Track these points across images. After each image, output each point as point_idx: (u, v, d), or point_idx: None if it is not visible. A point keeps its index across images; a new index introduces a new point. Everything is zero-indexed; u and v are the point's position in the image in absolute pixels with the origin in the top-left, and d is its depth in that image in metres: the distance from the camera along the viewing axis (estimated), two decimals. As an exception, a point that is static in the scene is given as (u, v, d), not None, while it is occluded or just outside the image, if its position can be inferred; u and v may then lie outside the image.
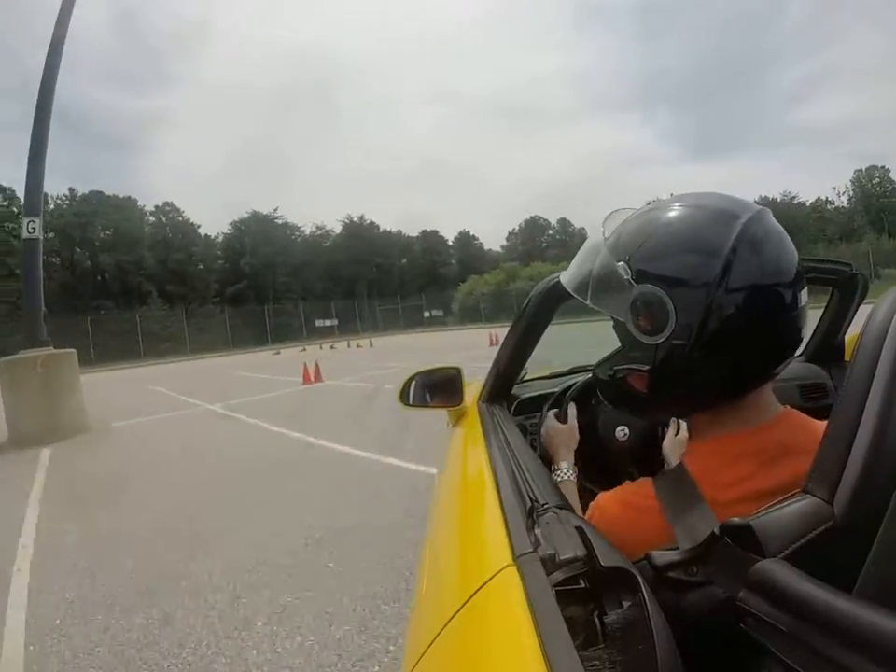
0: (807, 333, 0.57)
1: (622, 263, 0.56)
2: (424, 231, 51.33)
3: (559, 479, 0.94)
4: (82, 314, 30.45)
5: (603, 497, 0.65)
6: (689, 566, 0.43)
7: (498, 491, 0.68)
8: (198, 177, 65.89)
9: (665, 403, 0.62)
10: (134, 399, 10.23)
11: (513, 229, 54.01)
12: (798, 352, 1.50)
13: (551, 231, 54.16)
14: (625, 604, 0.39)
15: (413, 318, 38.93)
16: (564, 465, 0.97)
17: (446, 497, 1.00)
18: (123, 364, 26.01)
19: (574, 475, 0.95)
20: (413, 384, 1.40)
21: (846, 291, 1.29)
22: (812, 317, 1.41)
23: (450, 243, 50.82)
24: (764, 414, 0.58)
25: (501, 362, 1.25)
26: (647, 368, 0.58)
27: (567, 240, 50.93)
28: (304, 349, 23.37)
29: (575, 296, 0.64)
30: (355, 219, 48.40)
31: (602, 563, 0.42)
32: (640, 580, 0.39)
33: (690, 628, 0.40)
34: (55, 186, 36.51)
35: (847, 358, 1.37)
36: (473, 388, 1.47)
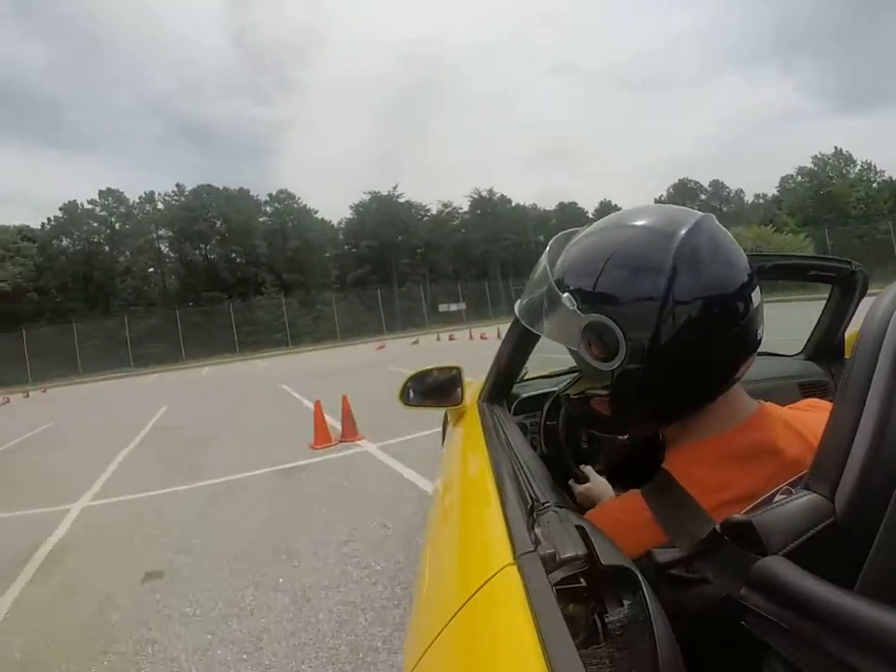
0: (764, 331, 0.58)
1: (566, 294, 0.56)
2: (561, 204, 44.82)
3: None
4: (195, 306, 30.46)
5: (591, 515, 0.63)
6: (690, 563, 0.43)
7: (499, 490, 0.68)
8: (317, 168, 64.76)
9: (630, 423, 0.63)
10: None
11: (661, 196, 45.32)
12: (798, 350, 1.51)
13: (703, 196, 45.76)
14: (626, 602, 0.39)
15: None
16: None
17: (446, 496, 1.00)
18: (219, 358, 25.34)
19: None
20: (413, 383, 1.40)
21: (845, 289, 1.29)
22: (812, 315, 1.42)
23: (590, 215, 42.83)
24: (737, 417, 0.58)
25: (501, 361, 1.25)
26: (606, 393, 0.58)
27: (719, 206, 43.78)
28: (417, 341, 20.45)
29: (531, 329, 0.64)
30: (483, 193, 42.49)
31: (603, 561, 0.42)
32: (641, 578, 0.39)
33: (691, 626, 0.40)
34: (164, 185, 36.54)
35: (847, 356, 1.37)
36: (473, 388, 1.47)
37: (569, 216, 43.12)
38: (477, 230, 40.54)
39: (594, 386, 0.61)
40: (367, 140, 73.60)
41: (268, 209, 39.12)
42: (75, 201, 34.50)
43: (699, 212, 0.56)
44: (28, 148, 54.68)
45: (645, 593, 0.38)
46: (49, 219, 34.21)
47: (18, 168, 50.87)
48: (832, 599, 0.33)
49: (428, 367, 1.43)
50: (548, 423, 1.21)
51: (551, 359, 1.44)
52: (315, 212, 40.08)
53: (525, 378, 1.47)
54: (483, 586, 0.48)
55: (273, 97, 73.67)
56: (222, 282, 34.33)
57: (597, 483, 1.01)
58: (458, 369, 1.39)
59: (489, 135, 73.93)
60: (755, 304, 0.55)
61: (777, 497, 0.51)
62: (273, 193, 39.27)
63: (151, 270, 35.50)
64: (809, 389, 1.31)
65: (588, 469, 1.05)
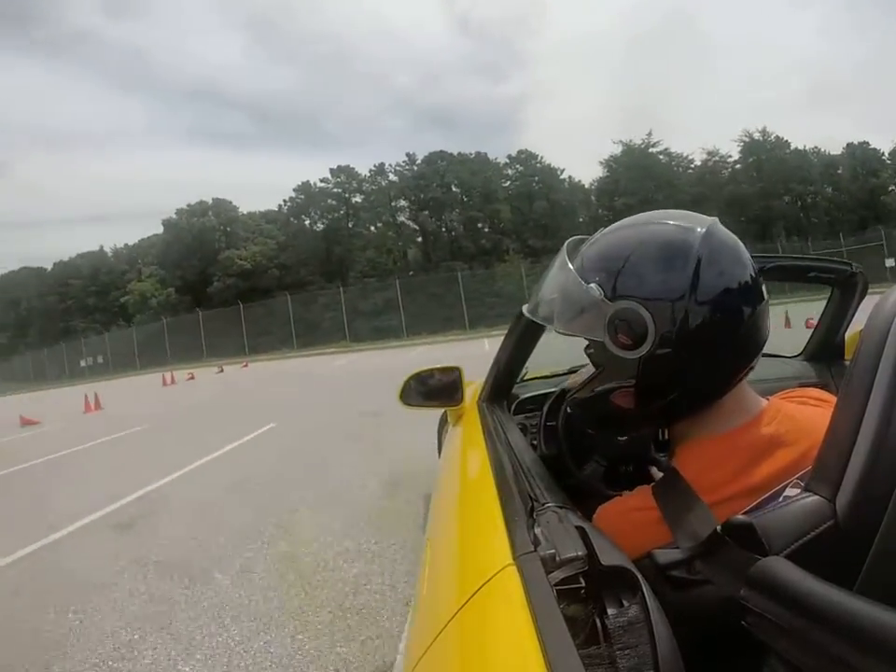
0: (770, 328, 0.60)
1: (593, 284, 0.57)
2: (849, 146, 33.49)
3: None
4: (434, 274, 27.91)
5: (603, 511, 0.64)
6: (691, 564, 0.43)
7: (499, 490, 0.68)
8: (561, 135, 56.47)
9: (652, 415, 0.63)
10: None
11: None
12: (798, 351, 1.51)
13: None
14: (626, 603, 0.39)
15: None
16: None
17: (446, 496, 1.00)
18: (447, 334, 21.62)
19: None
20: (414, 383, 1.40)
21: (845, 290, 1.29)
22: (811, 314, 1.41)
23: (887, 159, 32.48)
24: (747, 412, 0.60)
25: (501, 362, 1.25)
26: (632, 383, 0.59)
27: None
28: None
29: (544, 324, 0.65)
30: (756, 136, 32.95)
31: (603, 562, 0.42)
32: (641, 579, 0.39)
33: (691, 627, 0.40)
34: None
35: (847, 357, 1.37)
36: (473, 388, 1.47)
37: (862, 159, 33.14)
38: (752, 180, 32.13)
39: (617, 378, 0.61)
40: (611, 95, 64.20)
41: (508, 171, 34.07)
42: (308, 181, 33.87)
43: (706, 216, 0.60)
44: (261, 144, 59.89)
45: (645, 593, 0.38)
46: (285, 201, 34.26)
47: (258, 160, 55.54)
48: (832, 599, 0.33)
49: (427, 368, 1.43)
50: (548, 423, 1.21)
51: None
52: (562, 171, 34.10)
53: (525, 378, 1.47)
54: (482, 586, 0.48)
55: (506, 72, 70.62)
56: (463, 251, 31.21)
57: None
58: (459, 369, 1.39)
59: (747, 75, 57.76)
60: (765, 298, 0.58)
61: (788, 491, 0.51)
62: (514, 154, 33.84)
63: (390, 241, 32.63)
64: None
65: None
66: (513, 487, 0.66)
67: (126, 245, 37.92)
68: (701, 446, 0.59)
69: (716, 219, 0.59)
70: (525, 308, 0.71)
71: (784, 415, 0.59)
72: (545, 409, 1.23)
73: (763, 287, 0.58)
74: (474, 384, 1.51)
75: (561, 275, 0.62)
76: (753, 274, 0.57)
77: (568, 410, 0.66)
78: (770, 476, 0.53)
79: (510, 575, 0.46)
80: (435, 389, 1.39)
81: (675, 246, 0.56)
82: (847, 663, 0.30)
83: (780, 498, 0.51)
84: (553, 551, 0.45)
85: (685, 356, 0.55)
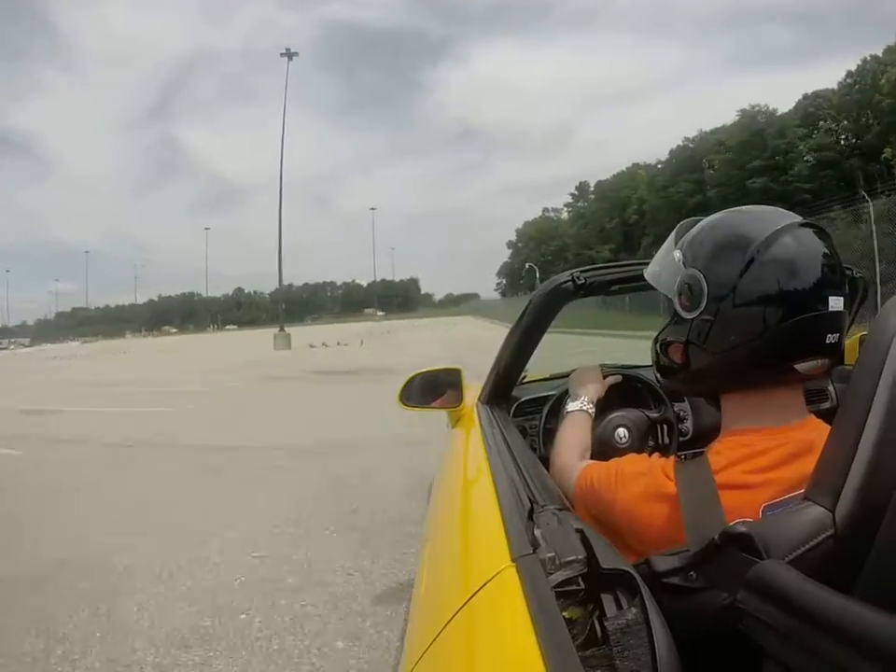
0: (844, 344, 0.63)
1: (678, 251, 0.69)
2: None
3: (576, 408, 0.99)
4: None
5: (630, 459, 0.72)
6: (689, 571, 0.43)
7: (498, 492, 0.68)
8: None
9: (696, 376, 0.69)
10: None
11: None
12: None
13: None
14: (625, 606, 0.39)
15: None
16: (586, 398, 1.00)
17: (445, 497, 1.00)
18: None
19: (592, 411, 0.99)
20: (414, 384, 1.40)
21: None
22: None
23: None
24: (794, 416, 0.64)
25: (501, 364, 1.25)
26: (682, 340, 0.67)
27: None
28: None
29: (652, 284, 0.76)
30: None
31: (602, 565, 0.42)
32: (640, 582, 0.39)
33: (690, 630, 0.40)
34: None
35: (846, 362, 1.37)
36: (473, 390, 1.47)
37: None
38: None
39: (675, 334, 0.69)
40: None
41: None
42: None
43: (800, 217, 0.65)
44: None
45: (644, 596, 0.38)
46: None
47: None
48: (830, 604, 0.33)
49: (428, 369, 1.43)
50: (548, 426, 1.21)
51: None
52: None
53: (525, 381, 1.47)
54: (481, 588, 0.48)
55: None
56: None
57: (593, 375, 1.08)
58: (459, 370, 1.40)
59: None
60: (832, 308, 0.60)
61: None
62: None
63: None
64: (808, 395, 1.31)
65: (595, 365, 1.12)
66: (513, 489, 0.66)
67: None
68: (739, 434, 0.64)
69: (813, 223, 0.64)
70: (645, 272, 0.79)
71: (824, 429, 0.61)
72: (545, 411, 1.23)
73: (836, 299, 0.60)
74: (474, 385, 1.52)
75: (668, 245, 0.74)
76: (819, 281, 0.60)
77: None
78: (801, 477, 0.54)
79: (509, 577, 0.46)
80: (435, 390, 1.39)
81: (744, 232, 0.63)
82: (845, 667, 0.30)
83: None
84: (552, 553, 0.45)
85: (723, 328, 0.62)
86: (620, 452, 1.11)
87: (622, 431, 1.11)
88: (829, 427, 0.61)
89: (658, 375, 0.79)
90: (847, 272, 1.22)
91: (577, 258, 44.08)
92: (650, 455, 0.72)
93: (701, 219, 0.74)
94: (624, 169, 47.83)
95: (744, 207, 0.71)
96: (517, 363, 1.25)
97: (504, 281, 73.19)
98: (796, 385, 0.65)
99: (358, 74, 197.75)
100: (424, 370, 1.43)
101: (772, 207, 0.69)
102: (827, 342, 0.60)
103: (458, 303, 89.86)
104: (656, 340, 0.75)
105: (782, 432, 0.61)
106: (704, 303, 0.63)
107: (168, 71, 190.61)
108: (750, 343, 0.61)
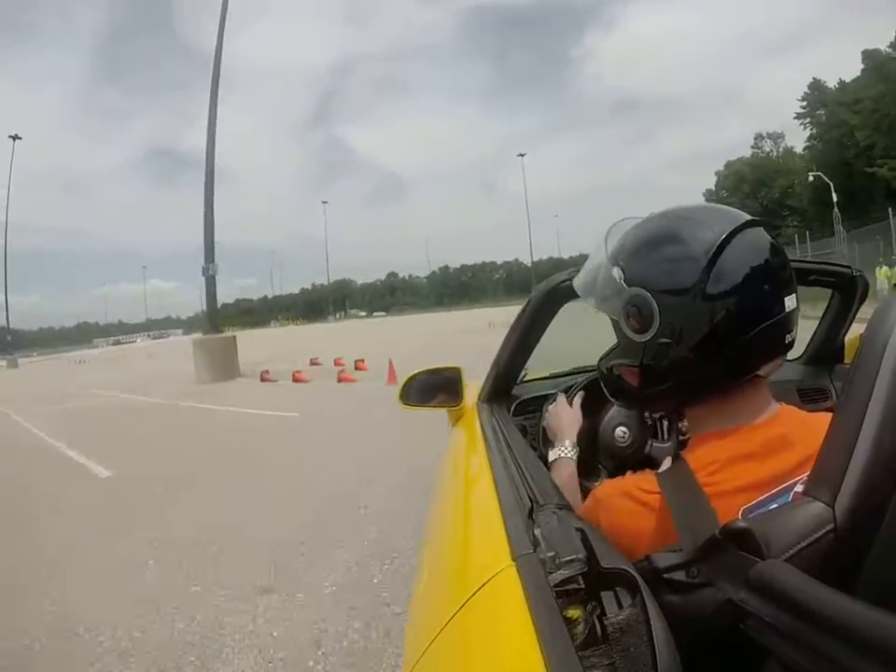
0: (796, 337, 0.61)
1: (616, 268, 0.63)
2: None
3: (561, 455, 0.97)
4: None
5: (605, 485, 0.67)
6: (689, 568, 0.43)
7: (498, 491, 0.68)
8: None
9: (654, 397, 0.67)
10: None
11: None
12: (797, 354, 1.50)
13: None
14: (625, 605, 0.39)
15: None
16: (567, 443, 0.99)
17: (445, 497, 1.00)
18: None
19: (576, 454, 0.98)
20: (414, 383, 1.40)
21: (845, 293, 1.29)
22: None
23: None
24: (762, 411, 0.61)
25: (501, 362, 1.25)
26: (636, 364, 0.63)
27: None
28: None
29: (584, 300, 0.71)
30: None
31: (602, 564, 0.42)
32: (640, 581, 0.39)
33: (690, 630, 0.40)
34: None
35: (847, 361, 1.37)
36: (473, 389, 1.47)
37: None
38: None
39: (627, 357, 0.66)
40: None
41: None
42: None
43: (749, 216, 0.61)
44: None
45: (644, 596, 0.38)
46: None
47: None
48: (831, 603, 0.33)
49: (428, 368, 1.43)
50: None
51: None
52: None
53: (525, 379, 1.47)
54: (482, 587, 0.48)
55: None
56: None
57: (574, 412, 1.06)
58: (458, 369, 1.39)
59: None
60: (788, 308, 0.58)
61: (798, 487, 0.52)
62: None
63: None
64: (808, 394, 1.31)
65: (577, 399, 1.10)
66: (513, 488, 0.66)
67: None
68: (711, 438, 0.61)
69: (756, 220, 0.60)
70: (574, 281, 0.76)
71: (798, 419, 0.61)
72: (545, 410, 1.23)
73: (792, 297, 0.58)
74: (474, 384, 1.52)
75: (598, 256, 0.68)
76: (777, 283, 0.58)
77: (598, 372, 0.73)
78: (776, 475, 0.54)
79: (509, 576, 0.46)
80: (435, 390, 1.39)
81: (690, 245, 0.58)
82: (846, 666, 0.30)
83: (790, 495, 0.52)
84: (552, 552, 0.45)
85: (684, 350, 0.58)
86: (621, 451, 1.11)
87: (622, 430, 1.11)
88: (802, 414, 0.62)
89: (610, 397, 0.75)
90: (846, 269, 1.23)
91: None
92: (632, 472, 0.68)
93: (631, 220, 0.69)
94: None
95: (677, 210, 0.66)
96: (517, 362, 1.25)
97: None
98: (759, 383, 0.62)
99: (509, 56, 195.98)
100: (423, 369, 1.43)
101: (709, 206, 0.66)
102: (786, 341, 0.60)
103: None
104: (603, 362, 0.71)
105: (754, 430, 0.59)
106: (656, 325, 0.58)
107: (324, 78, 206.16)
108: (713, 359, 0.58)
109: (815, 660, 0.32)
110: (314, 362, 12.74)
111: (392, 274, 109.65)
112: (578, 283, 0.75)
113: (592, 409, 1.14)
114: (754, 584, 0.37)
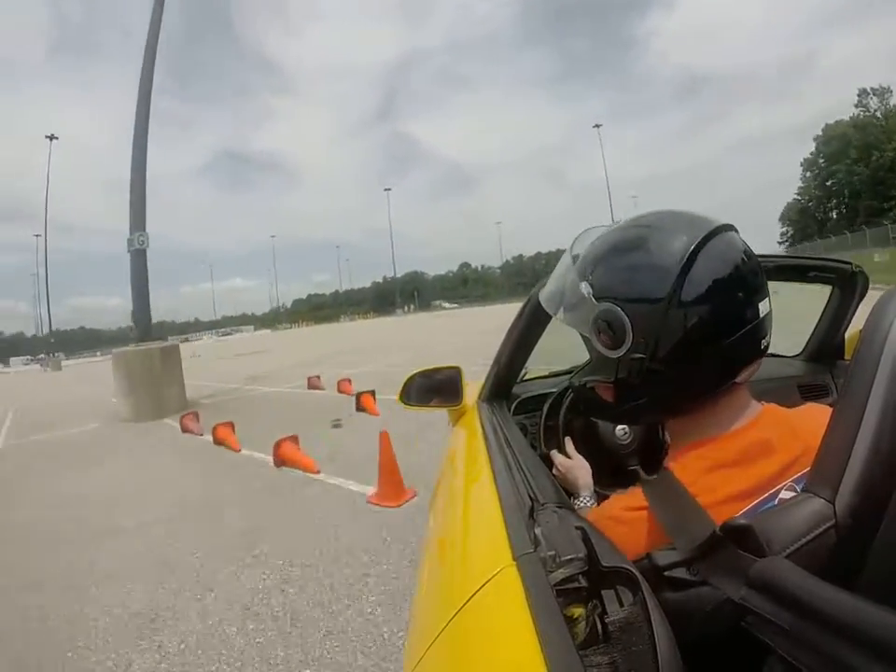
0: (770, 340, 0.59)
1: (584, 283, 0.61)
2: None
3: (582, 505, 0.94)
4: None
5: (594, 513, 0.64)
6: (690, 565, 0.43)
7: (498, 490, 0.68)
8: None
9: (631, 412, 0.65)
10: None
11: None
12: (798, 350, 1.50)
13: None
14: (626, 604, 0.39)
15: None
16: (585, 493, 0.98)
17: (446, 496, 1.00)
18: None
19: (595, 502, 0.95)
20: (414, 383, 1.40)
21: (845, 290, 1.29)
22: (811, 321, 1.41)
23: None
24: (741, 417, 0.60)
25: (501, 361, 1.25)
26: (611, 380, 0.61)
27: None
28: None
29: (550, 313, 0.68)
30: None
31: (603, 563, 0.42)
32: (641, 579, 0.39)
33: (691, 627, 0.40)
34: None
35: (847, 357, 1.37)
36: (473, 388, 1.47)
37: None
38: None
39: (600, 373, 0.63)
40: None
41: None
42: None
43: (720, 221, 0.59)
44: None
45: (645, 594, 0.38)
46: None
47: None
48: (832, 600, 0.33)
49: (428, 368, 1.43)
50: (548, 423, 1.21)
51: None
52: None
53: (525, 378, 1.47)
54: (483, 587, 0.48)
55: None
56: None
57: (577, 460, 1.04)
58: (458, 369, 1.39)
59: None
60: (763, 313, 0.56)
61: (783, 494, 0.51)
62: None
63: None
64: (809, 390, 1.31)
65: (569, 445, 1.08)
66: (513, 487, 0.66)
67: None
68: (695, 448, 0.59)
69: (727, 226, 0.58)
70: (540, 294, 0.73)
71: (779, 420, 0.59)
72: (545, 409, 1.23)
73: (765, 301, 0.57)
74: (474, 383, 1.51)
75: (563, 268, 0.66)
76: (750, 289, 0.56)
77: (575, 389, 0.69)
78: (764, 480, 0.53)
79: (510, 575, 0.46)
80: (435, 389, 1.39)
81: (661, 257, 0.56)
82: (847, 663, 0.30)
83: (775, 501, 0.51)
84: (553, 551, 0.45)
85: (659, 364, 0.57)
86: (622, 449, 1.11)
87: (622, 429, 1.11)
88: (784, 413, 0.61)
89: (586, 414, 0.74)
90: (846, 266, 1.23)
91: None
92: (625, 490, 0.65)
93: (597, 230, 0.66)
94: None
95: (646, 217, 0.63)
96: (517, 360, 1.25)
97: (789, 229, 52.05)
98: (737, 389, 0.60)
99: (569, 42, 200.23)
100: (423, 368, 1.43)
101: (677, 212, 0.62)
102: (762, 346, 0.58)
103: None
104: (577, 378, 0.69)
105: (732, 437, 0.58)
106: (629, 341, 0.57)
107: (386, 76, 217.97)
108: (691, 372, 0.57)
109: (816, 657, 0.32)
110: (313, 384, 8.50)
111: (465, 265, 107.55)
112: (544, 296, 0.71)
113: None
114: (755, 582, 0.37)
